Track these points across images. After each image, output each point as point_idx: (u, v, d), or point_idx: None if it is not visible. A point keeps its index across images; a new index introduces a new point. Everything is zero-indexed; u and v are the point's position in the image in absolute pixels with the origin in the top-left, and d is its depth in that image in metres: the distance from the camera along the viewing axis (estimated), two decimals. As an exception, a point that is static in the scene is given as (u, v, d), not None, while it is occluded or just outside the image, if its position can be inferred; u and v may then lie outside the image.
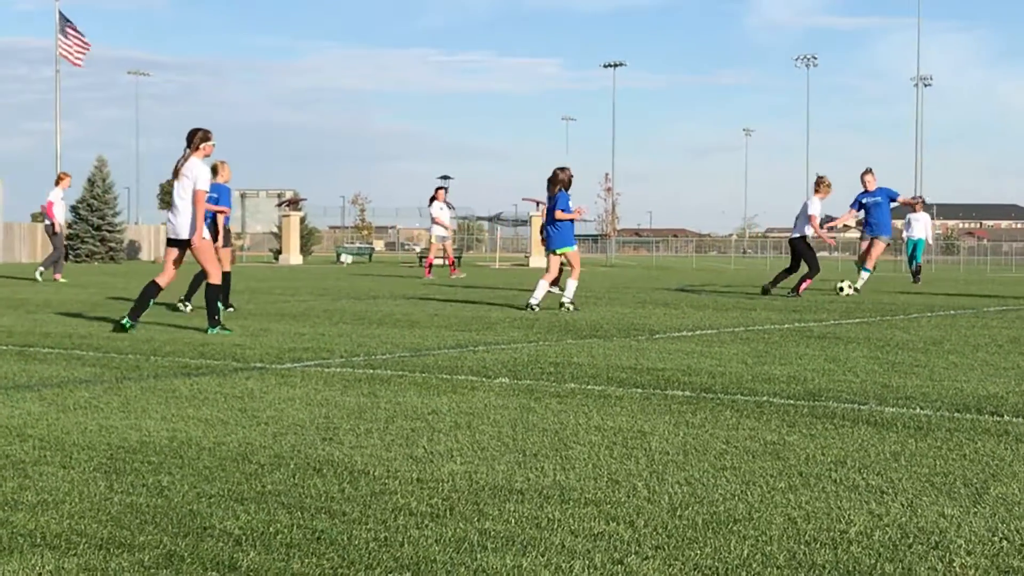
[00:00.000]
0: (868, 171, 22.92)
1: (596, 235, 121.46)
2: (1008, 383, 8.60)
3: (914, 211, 30.38)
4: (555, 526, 4.41)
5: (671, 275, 41.77)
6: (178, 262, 13.43)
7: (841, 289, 21.87)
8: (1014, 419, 6.94)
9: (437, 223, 34.15)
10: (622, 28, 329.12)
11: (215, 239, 16.28)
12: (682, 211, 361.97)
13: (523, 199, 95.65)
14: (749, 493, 4.97)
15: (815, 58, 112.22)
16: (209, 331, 12.59)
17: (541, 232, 18.95)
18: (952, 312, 17.28)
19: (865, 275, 22.75)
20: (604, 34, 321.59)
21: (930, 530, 4.38)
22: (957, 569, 3.90)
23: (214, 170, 17.16)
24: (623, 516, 4.57)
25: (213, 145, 13.25)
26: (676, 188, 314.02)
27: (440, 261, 39.57)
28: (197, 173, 13.01)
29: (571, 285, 17.54)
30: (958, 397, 7.85)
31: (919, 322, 15.15)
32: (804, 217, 21.78)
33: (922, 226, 31.04)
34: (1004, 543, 4.21)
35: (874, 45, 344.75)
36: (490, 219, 77.94)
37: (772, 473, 5.38)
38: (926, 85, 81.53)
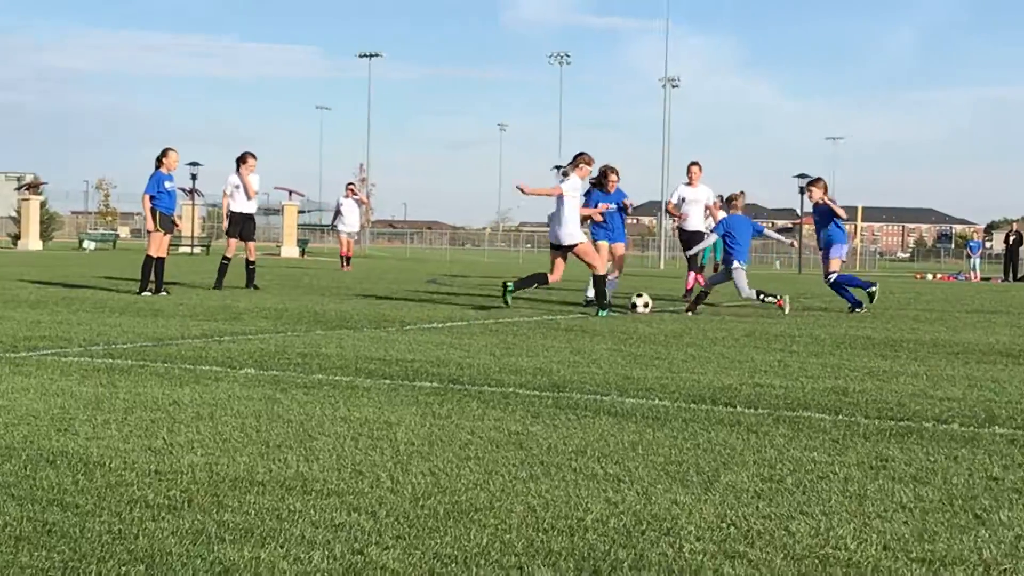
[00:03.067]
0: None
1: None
2: (742, 375, 8.93)
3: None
4: (296, 517, 4.38)
5: (425, 267, 41.95)
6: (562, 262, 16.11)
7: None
8: (746, 410, 7.20)
9: None
10: (379, 18, 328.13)
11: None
12: (437, 203, 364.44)
13: (276, 187, 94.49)
14: (491, 482, 5.03)
15: (568, 56, 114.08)
16: (600, 313, 15.35)
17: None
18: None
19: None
20: (361, 23, 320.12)
21: (663, 517, 4.51)
22: (686, 554, 4.03)
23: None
24: (365, 507, 4.56)
25: (589, 170, 16.26)
26: (431, 180, 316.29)
27: None
28: (572, 185, 15.75)
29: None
30: (695, 388, 8.11)
31: (662, 317, 15.58)
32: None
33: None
34: (731, 529, 4.37)
35: (626, 46, 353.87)
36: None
37: (515, 463, 5.46)
38: (674, 87, 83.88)
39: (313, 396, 7.40)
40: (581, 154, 16.03)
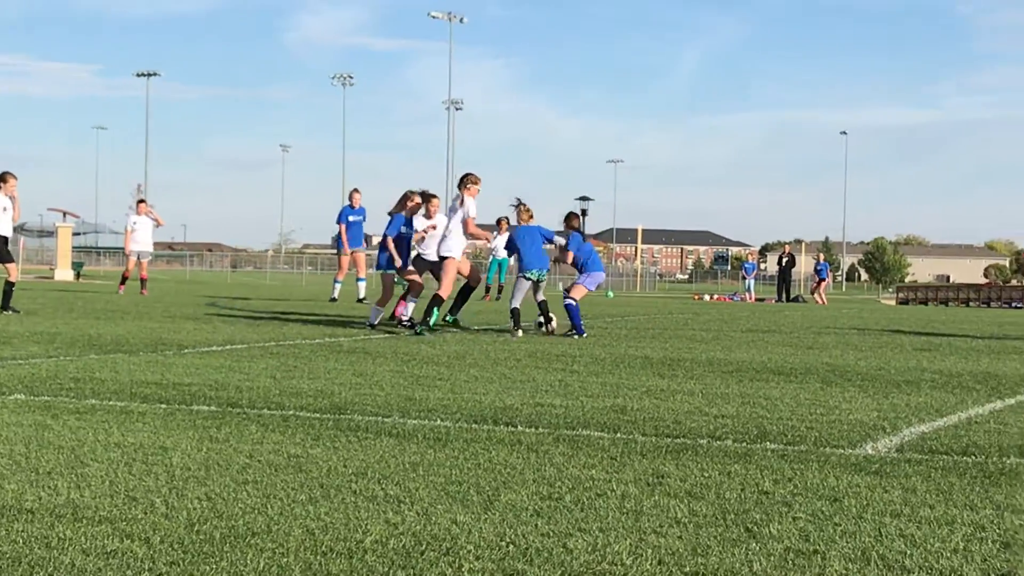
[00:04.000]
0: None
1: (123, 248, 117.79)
2: (523, 395, 9.01)
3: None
4: (66, 545, 4.24)
5: (205, 289, 41.19)
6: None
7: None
8: (527, 429, 7.27)
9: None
10: (158, 37, 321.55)
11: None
12: (218, 225, 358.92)
13: (49, 209, 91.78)
14: (269, 506, 4.95)
15: (351, 77, 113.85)
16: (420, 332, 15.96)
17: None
18: (476, 328, 17.91)
19: None
20: (140, 42, 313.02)
21: (442, 537, 4.51)
22: (466, 574, 4.04)
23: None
24: (139, 533, 4.45)
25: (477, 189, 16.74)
26: (212, 202, 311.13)
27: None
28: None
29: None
30: (476, 409, 8.15)
31: (444, 337, 15.62)
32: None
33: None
34: (511, 547, 4.39)
35: (409, 68, 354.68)
36: (14, 229, 74.28)
37: (294, 486, 5.39)
38: (457, 109, 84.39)
39: (86, 422, 7.18)
40: (467, 175, 16.73)
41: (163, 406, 7.97)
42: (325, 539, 4.43)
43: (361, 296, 26.22)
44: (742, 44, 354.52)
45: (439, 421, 7.52)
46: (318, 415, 7.69)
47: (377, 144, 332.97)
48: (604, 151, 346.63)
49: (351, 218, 26.20)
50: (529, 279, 16.90)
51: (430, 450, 6.43)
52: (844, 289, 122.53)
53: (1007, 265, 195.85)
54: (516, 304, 16.68)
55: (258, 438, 6.71)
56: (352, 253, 26.39)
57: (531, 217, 17.24)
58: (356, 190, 26.68)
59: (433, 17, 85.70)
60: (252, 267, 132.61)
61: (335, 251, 27.98)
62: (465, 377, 10.27)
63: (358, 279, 26.86)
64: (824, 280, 48.23)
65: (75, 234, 74.11)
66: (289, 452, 6.27)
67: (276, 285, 56.55)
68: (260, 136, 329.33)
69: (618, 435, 7.14)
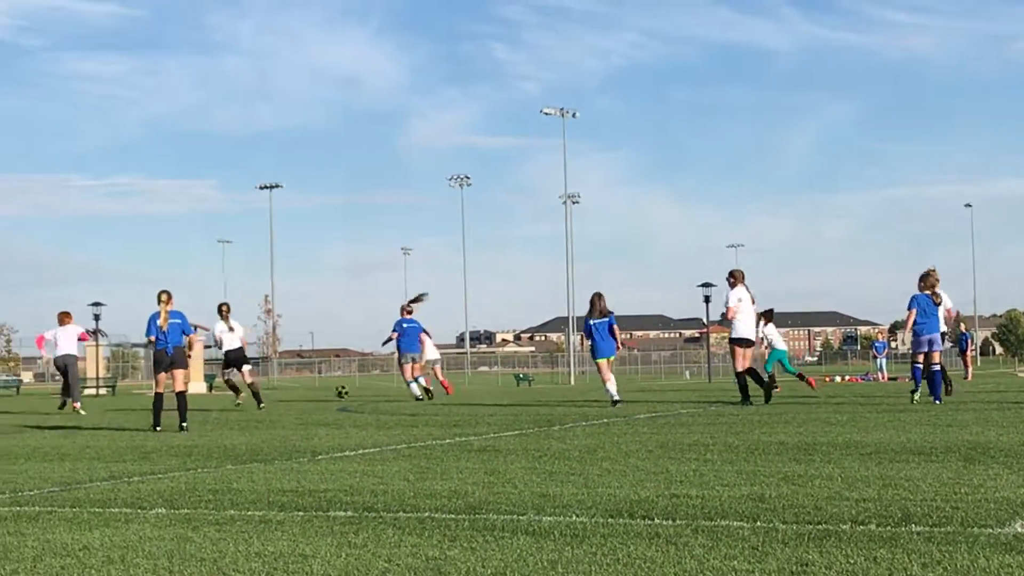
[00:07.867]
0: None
1: (257, 358, 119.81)
2: (658, 487, 8.91)
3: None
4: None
5: (334, 395, 41.60)
6: None
7: None
8: (664, 521, 7.17)
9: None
10: (277, 150, 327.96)
11: None
12: (344, 330, 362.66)
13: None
14: (411, 611, 4.94)
15: (468, 178, 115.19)
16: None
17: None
18: (605, 421, 17.84)
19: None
20: (258, 156, 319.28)
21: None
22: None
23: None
24: (283, 643, 4.45)
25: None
26: (337, 308, 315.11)
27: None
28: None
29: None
30: (611, 503, 8.07)
31: (574, 431, 15.56)
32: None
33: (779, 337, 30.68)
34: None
35: (523, 165, 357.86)
36: (145, 346, 75.80)
37: (434, 589, 5.37)
38: (574, 203, 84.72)
39: (226, 532, 7.25)
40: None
41: (300, 513, 8.02)
42: (468, 642, 4.39)
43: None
44: (852, 122, 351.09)
45: (575, 517, 7.46)
46: (453, 516, 7.68)
47: (496, 241, 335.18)
48: (721, 236, 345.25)
49: None
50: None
51: (567, 547, 6.38)
52: (979, 364, 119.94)
53: None
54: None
55: (395, 541, 6.71)
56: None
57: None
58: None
59: (546, 113, 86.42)
60: (379, 370, 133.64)
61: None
62: (598, 471, 10.20)
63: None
64: (966, 351, 46.97)
65: (206, 347, 75.51)
66: (427, 555, 6.25)
67: (403, 388, 56.83)
68: (380, 240, 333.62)
69: (758, 524, 7.01)
